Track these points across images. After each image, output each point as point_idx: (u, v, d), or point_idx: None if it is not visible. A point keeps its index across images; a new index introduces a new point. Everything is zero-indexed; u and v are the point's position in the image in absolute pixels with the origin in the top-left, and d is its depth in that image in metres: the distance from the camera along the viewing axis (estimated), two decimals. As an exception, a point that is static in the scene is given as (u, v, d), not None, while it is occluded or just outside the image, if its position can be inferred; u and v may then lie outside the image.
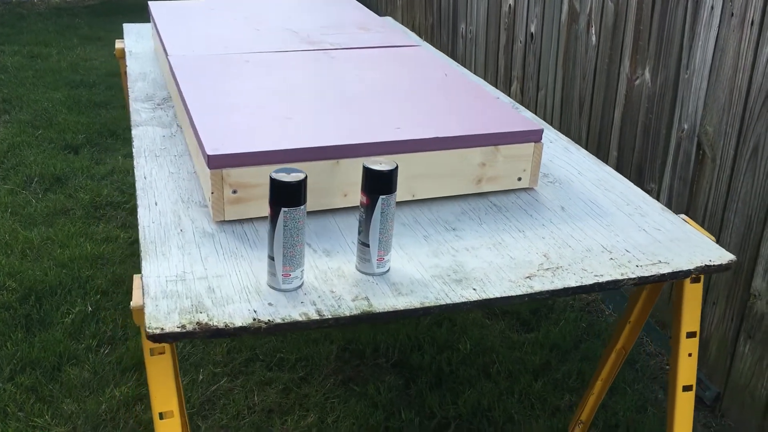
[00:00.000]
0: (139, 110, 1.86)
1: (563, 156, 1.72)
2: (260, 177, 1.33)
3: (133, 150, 1.63)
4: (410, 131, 1.44)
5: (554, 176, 1.61)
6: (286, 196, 1.11)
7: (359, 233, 1.21)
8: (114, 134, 3.87)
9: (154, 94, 1.98)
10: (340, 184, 1.39)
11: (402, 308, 1.15)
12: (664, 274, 1.27)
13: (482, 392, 2.14)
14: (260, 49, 1.93)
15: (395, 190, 1.19)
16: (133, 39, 2.51)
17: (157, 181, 1.49)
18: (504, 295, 1.19)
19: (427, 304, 1.16)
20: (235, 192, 1.33)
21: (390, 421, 2.04)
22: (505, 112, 1.57)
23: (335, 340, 2.35)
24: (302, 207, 1.13)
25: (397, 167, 1.17)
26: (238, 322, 1.09)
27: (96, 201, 3.16)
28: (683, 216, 1.47)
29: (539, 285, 1.22)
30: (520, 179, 1.52)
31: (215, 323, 1.08)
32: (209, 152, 1.30)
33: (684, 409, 1.47)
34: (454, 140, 1.44)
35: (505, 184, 1.51)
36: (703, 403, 2.18)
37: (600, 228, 1.40)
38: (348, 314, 1.13)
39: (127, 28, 2.64)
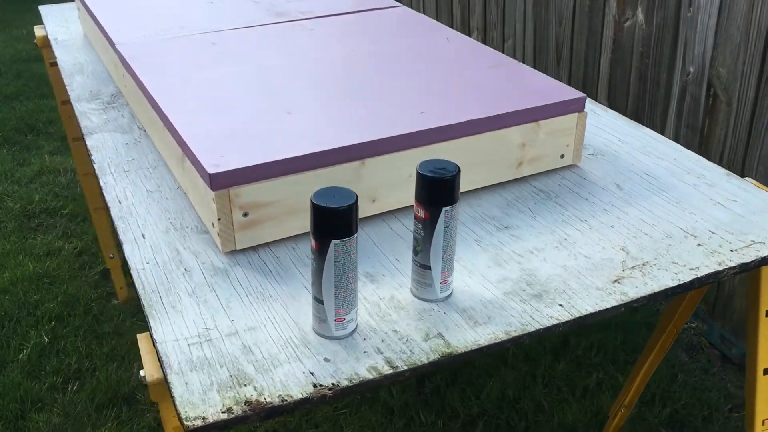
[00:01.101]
0: (86, 113, 1.56)
1: (593, 121, 1.52)
2: (275, 193, 1.08)
3: (95, 166, 1.34)
4: (439, 116, 1.20)
5: (594, 147, 1.41)
6: (336, 224, 0.87)
7: (416, 254, 0.99)
8: (34, 129, 3.48)
9: (99, 90, 1.67)
10: (367, 189, 1.15)
11: (486, 343, 0.94)
12: (765, 258, 1.09)
13: (504, 382, 1.96)
14: (222, 27, 1.65)
15: (459, 198, 0.96)
16: (55, 23, 2.16)
17: (137, 205, 1.22)
18: (597, 309, 0.99)
19: (513, 334, 0.95)
20: (246, 215, 1.07)
21: (411, 428, 1.85)
22: (537, 80, 1.35)
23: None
24: (355, 236, 0.89)
25: (459, 170, 0.94)
26: (297, 393, 0.85)
27: (28, 209, 2.81)
28: (749, 179, 1.29)
29: (632, 290, 1.02)
30: (563, 156, 1.31)
31: (268, 398, 0.85)
32: (211, 170, 1.04)
33: (765, 394, 1.32)
34: (493, 120, 1.21)
35: (546, 164, 1.30)
36: (730, 362, 2.06)
37: (670, 207, 1.21)
38: (425, 361, 0.90)
39: (45, 10, 2.28)
